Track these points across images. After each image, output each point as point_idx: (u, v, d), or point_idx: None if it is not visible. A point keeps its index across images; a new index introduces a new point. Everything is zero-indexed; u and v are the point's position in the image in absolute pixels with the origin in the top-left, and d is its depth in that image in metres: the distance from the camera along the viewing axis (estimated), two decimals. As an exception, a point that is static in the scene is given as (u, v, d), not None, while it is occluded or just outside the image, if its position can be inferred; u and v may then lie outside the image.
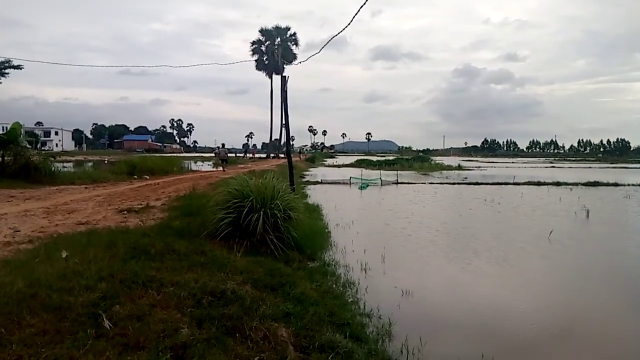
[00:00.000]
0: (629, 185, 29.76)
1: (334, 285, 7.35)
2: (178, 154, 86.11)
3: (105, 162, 39.01)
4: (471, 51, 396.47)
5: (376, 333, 5.79)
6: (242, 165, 39.95)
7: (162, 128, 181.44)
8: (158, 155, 53.81)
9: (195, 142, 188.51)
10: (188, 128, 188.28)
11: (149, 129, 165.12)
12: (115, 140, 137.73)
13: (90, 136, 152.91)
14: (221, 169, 32.82)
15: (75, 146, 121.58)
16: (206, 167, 42.65)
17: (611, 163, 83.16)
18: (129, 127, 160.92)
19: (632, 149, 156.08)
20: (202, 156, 77.44)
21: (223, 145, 38.88)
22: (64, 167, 24.27)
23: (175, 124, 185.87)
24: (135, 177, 22.58)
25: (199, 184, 17.30)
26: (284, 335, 4.52)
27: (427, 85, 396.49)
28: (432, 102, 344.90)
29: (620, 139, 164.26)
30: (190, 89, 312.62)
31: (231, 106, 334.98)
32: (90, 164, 36.37)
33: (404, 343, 5.52)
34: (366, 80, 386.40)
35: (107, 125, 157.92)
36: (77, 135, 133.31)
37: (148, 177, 22.61)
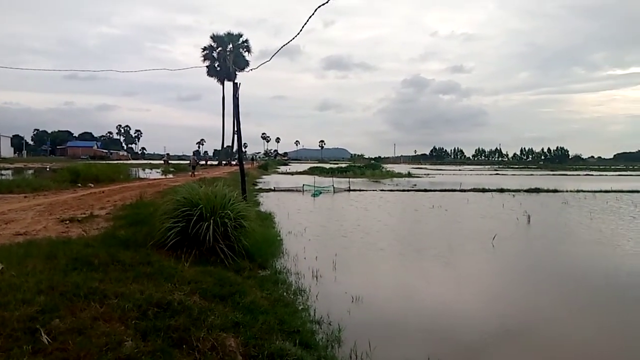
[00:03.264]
0: (567, 191, 31.45)
1: (285, 293, 7.34)
2: (125, 161, 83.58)
3: (47, 169, 37.47)
4: (420, 62, 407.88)
5: (326, 339, 5.82)
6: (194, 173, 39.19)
7: (108, 134, 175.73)
8: (104, 162, 52.10)
9: (143, 148, 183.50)
10: (136, 134, 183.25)
11: (95, 135, 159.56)
12: (58, 147, 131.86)
13: (31, 142, 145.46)
14: (171, 175, 32.23)
15: (15, 153, 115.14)
16: (155, 174, 41.56)
17: (551, 170, 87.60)
18: (73, 133, 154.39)
19: (570, 157, 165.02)
20: (150, 163, 75.34)
21: (194, 153, 39.71)
22: (1, 174, 23.01)
23: (123, 130, 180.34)
24: (79, 185, 21.72)
25: (147, 192, 16.86)
26: (232, 345, 4.47)
27: (378, 94, 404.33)
28: (383, 112, 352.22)
29: (560, 148, 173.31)
30: (139, 95, 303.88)
31: (182, 112, 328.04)
32: (30, 171, 34.79)
33: (353, 348, 5.59)
34: (319, 88, 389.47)
35: (49, 131, 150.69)
36: (17, 141, 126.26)
37: (93, 185, 21.81)
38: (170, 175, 37.70)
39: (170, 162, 68.46)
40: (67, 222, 10.26)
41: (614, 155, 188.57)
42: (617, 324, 7.23)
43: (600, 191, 31.36)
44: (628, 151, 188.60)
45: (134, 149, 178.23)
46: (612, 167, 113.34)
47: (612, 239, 14.00)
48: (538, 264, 11.28)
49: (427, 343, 6.18)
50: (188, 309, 4.95)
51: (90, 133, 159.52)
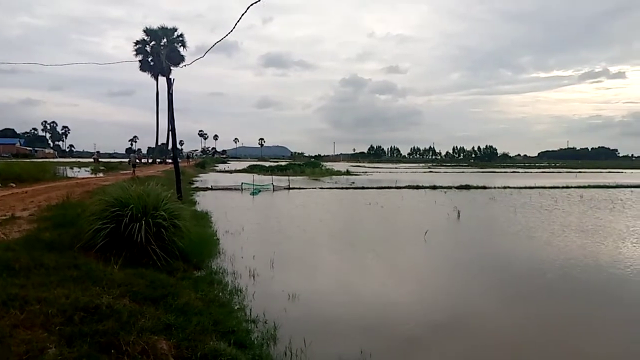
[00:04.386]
0: (494, 188, 33.21)
1: (221, 294, 7.28)
2: (52, 159, 79.01)
3: (-38, 168, 34.67)
4: (357, 62, 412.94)
5: (261, 338, 5.84)
6: (125, 172, 37.72)
7: (32, 131, 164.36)
8: (28, 160, 49.02)
9: (71, 146, 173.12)
10: (63, 131, 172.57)
11: (18, 132, 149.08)
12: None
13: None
14: (101, 174, 30.92)
15: None
16: (84, 173, 39.57)
17: (481, 168, 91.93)
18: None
19: (498, 155, 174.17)
20: (79, 161, 71.54)
21: (133, 150, 38.10)
22: None
23: (49, 127, 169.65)
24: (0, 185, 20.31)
25: (74, 191, 16.05)
26: (164, 347, 4.40)
27: (317, 93, 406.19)
28: (322, 110, 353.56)
29: (489, 146, 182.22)
30: (67, 89, 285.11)
31: (113, 108, 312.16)
32: (-58, 170, 31.99)
33: (288, 345, 5.65)
34: (258, 86, 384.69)
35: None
36: None
37: (15, 185, 20.44)
38: (101, 174, 36.06)
39: (100, 160, 65.44)
40: (-15, 225, 9.59)
41: (538, 154, 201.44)
42: (536, 310, 7.76)
43: (525, 187, 33.37)
44: (551, 149, 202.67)
45: (62, 146, 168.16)
46: (537, 164, 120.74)
47: (529, 231, 15.02)
48: (466, 257, 11.87)
49: (362, 337, 6.34)
50: (117, 313, 4.81)
51: (13, 129, 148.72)
